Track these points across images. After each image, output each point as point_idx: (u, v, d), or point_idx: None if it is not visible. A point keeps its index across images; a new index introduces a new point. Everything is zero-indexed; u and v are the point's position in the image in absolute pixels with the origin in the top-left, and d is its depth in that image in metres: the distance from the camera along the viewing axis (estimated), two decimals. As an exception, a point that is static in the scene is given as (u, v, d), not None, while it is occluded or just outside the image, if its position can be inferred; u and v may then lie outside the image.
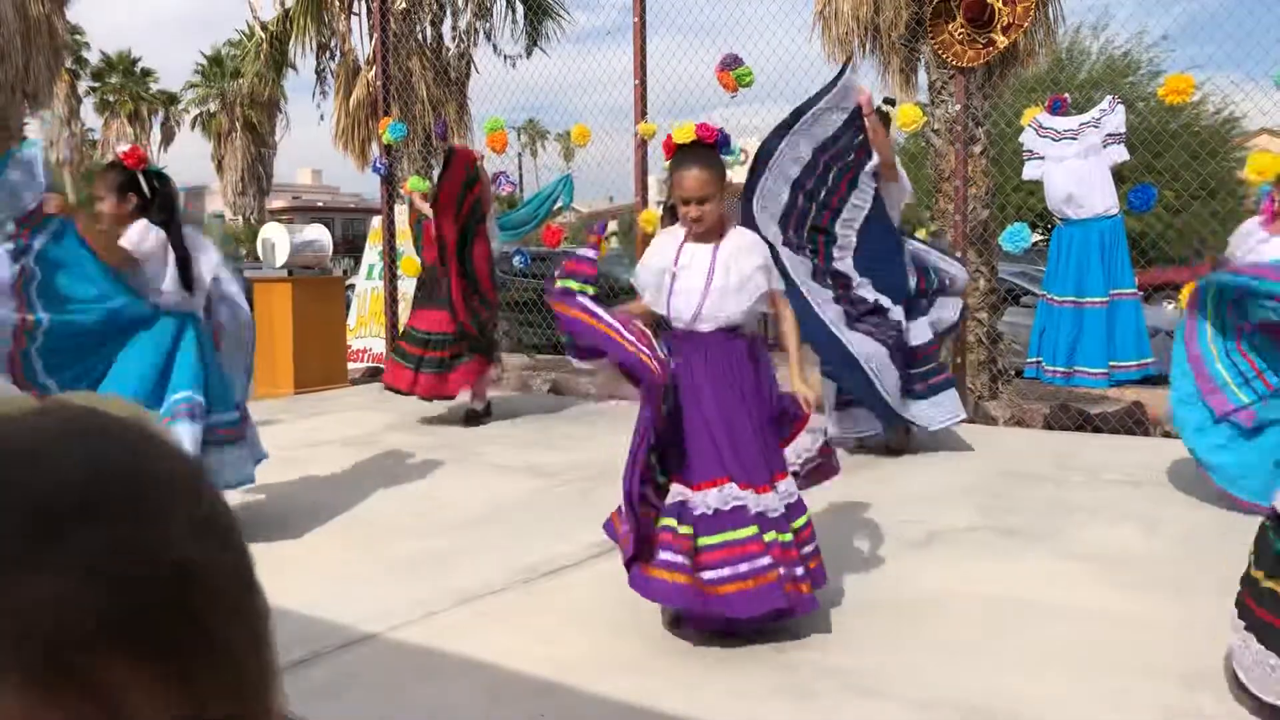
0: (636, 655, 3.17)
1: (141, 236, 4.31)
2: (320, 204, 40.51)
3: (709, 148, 3.35)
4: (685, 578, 3.12)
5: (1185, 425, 4.68)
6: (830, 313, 5.49)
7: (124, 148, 4.40)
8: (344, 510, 4.90)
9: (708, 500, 3.18)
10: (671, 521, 3.19)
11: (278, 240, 8.98)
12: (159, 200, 4.42)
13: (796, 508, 3.27)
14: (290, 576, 3.98)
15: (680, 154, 3.36)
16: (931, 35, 6.93)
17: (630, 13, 7.94)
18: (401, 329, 6.99)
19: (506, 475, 5.66)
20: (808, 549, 3.25)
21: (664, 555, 3.16)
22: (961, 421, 6.01)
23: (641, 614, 3.41)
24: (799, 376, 3.35)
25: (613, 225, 39.18)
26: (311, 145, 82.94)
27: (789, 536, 3.19)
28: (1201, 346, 4.61)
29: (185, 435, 4.18)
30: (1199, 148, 9.69)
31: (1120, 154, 6.34)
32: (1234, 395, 4.46)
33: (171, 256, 4.36)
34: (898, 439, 5.94)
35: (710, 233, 3.35)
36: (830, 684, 2.92)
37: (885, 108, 6.05)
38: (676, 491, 3.25)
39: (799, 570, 3.17)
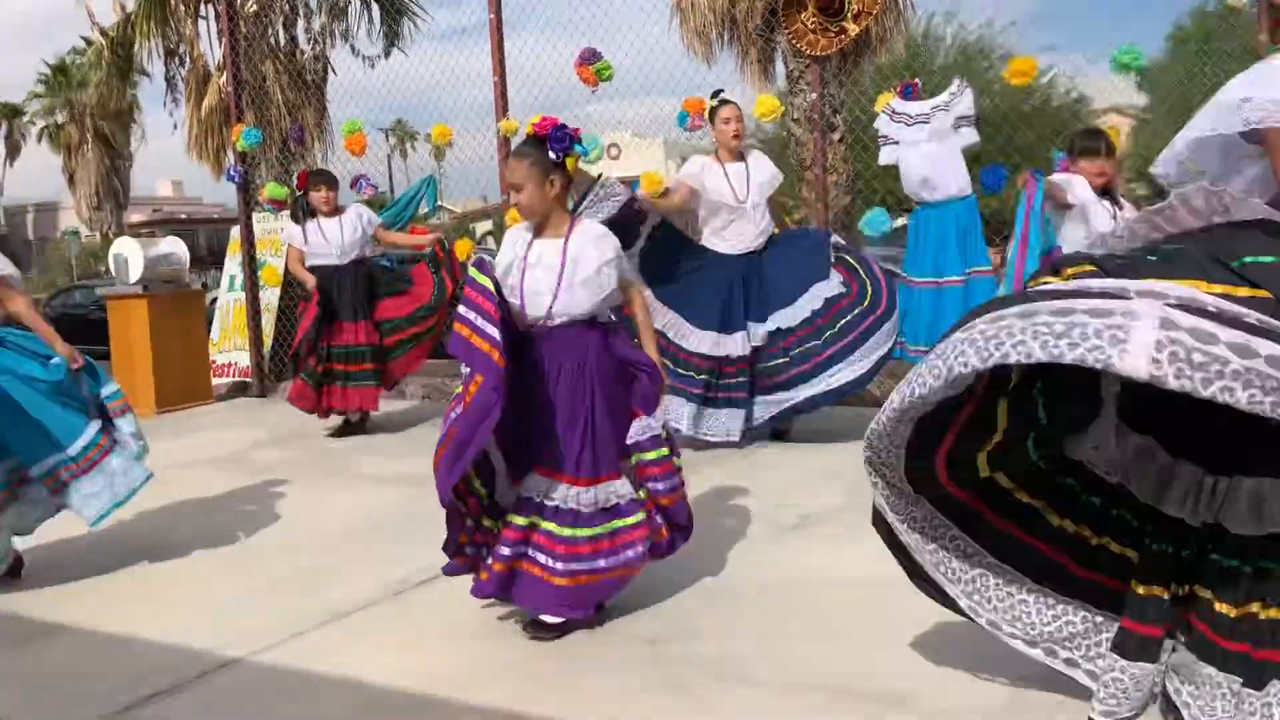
0: (509, 662, 3.14)
1: None
2: (183, 215, 39.12)
3: (538, 141, 3.35)
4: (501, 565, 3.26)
5: None
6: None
7: None
8: (212, 534, 4.73)
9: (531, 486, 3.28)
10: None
11: (130, 255, 8.63)
12: None
13: (611, 513, 3.29)
14: (153, 605, 3.84)
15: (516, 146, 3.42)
16: (785, 25, 7.03)
17: (485, 9, 7.84)
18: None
19: (379, 486, 5.55)
20: (600, 561, 3.26)
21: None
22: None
23: (512, 620, 3.39)
24: (653, 350, 3.47)
25: (486, 225, 38.89)
26: (171, 156, 79.97)
27: (573, 534, 3.24)
28: None
29: None
30: (1052, 127, 10.07)
31: (971, 136, 6.52)
32: None
33: None
34: (782, 423, 5.99)
35: (557, 227, 3.36)
36: (703, 674, 2.94)
37: (713, 102, 5.99)
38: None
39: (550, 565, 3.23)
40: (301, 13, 10.54)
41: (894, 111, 6.71)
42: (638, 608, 3.43)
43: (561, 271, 3.29)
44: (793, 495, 4.76)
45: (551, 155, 3.30)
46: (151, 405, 8.39)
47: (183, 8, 10.94)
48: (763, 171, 5.86)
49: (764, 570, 3.78)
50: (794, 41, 7.03)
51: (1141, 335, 1.82)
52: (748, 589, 3.60)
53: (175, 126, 11.68)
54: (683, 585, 3.63)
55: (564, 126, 3.34)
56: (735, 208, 5.77)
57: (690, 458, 5.58)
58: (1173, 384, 1.79)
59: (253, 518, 5.02)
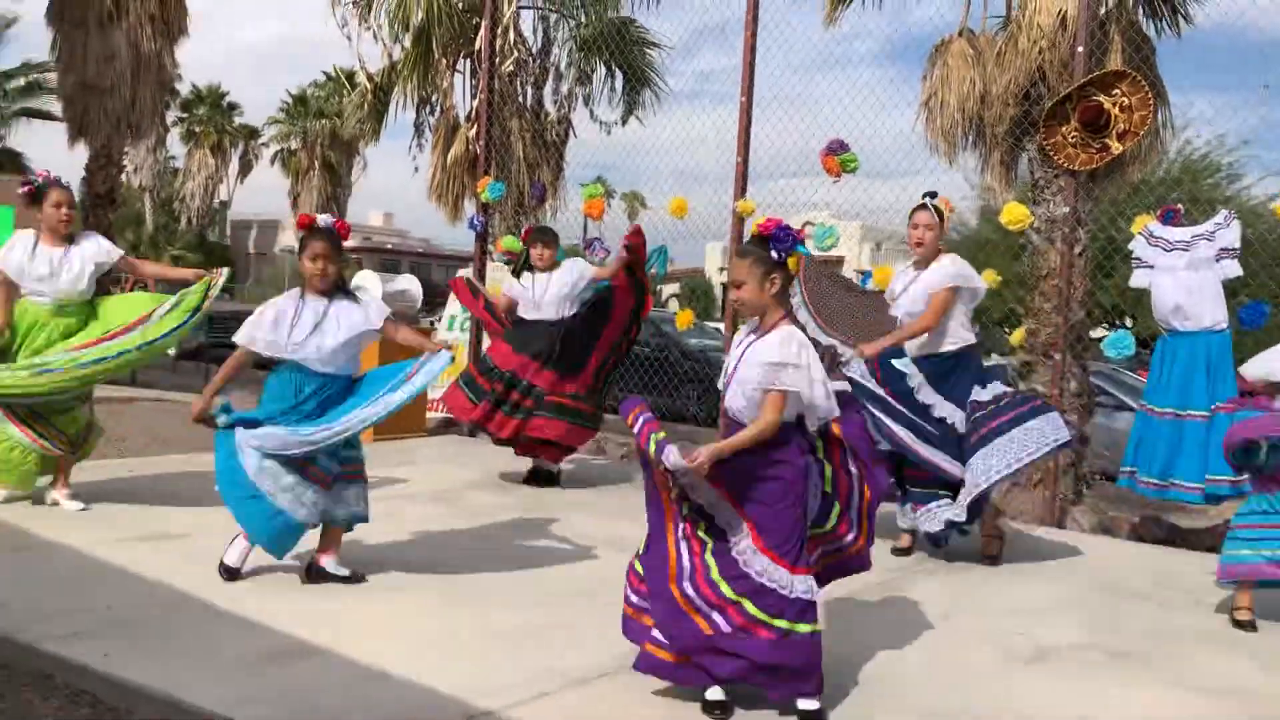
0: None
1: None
2: (389, 246, 41.12)
3: (762, 240, 3.44)
4: None
5: None
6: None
7: (328, 218, 4.79)
8: (441, 572, 4.89)
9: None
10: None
11: (370, 287, 9.12)
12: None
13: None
14: (395, 640, 3.97)
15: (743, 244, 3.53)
16: (1044, 136, 6.93)
17: (738, 92, 8.03)
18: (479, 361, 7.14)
19: (595, 547, 5.63)
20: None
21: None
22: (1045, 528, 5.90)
23: (754, 707, 3.37)
24: (718, 448, 3.34)
25: (674, 287, 39.38)
26: (385, 188, 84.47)
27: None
28: None
29: None
30: (1276, 256, 9.52)
31: (1233, 269, 6.25)
32: None
33: None
34: (993, 546, 5.80)
35: (762, 326, 3.48)
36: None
37: (929, 200, 5.86)
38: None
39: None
40: (551, 75, 11.06)
41: (1151, 235, 6.50)
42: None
43: (736, 368, 3.48)
44: (1023, 622, 4.60)
45: (774, 255, 3.38)
46: (369, 432, 8.76)
47: (444, 61, 11.61)
48: (922, 281, 5.72)
49: (1008, 703, 3.64)
50: (1052, 154, 6.92)
51: None
52: (994, 720, 3.49)
53: (416, 169, 12.35)
54: (926, 713, 3.54)
55: (788, 227, 3.43)
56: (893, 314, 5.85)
57: (910, 566, 5.52)
58: None
59: (477, 561, 5.17)
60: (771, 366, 3.34)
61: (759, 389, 3.36)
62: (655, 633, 3.43)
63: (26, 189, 5.65)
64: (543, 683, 3.56)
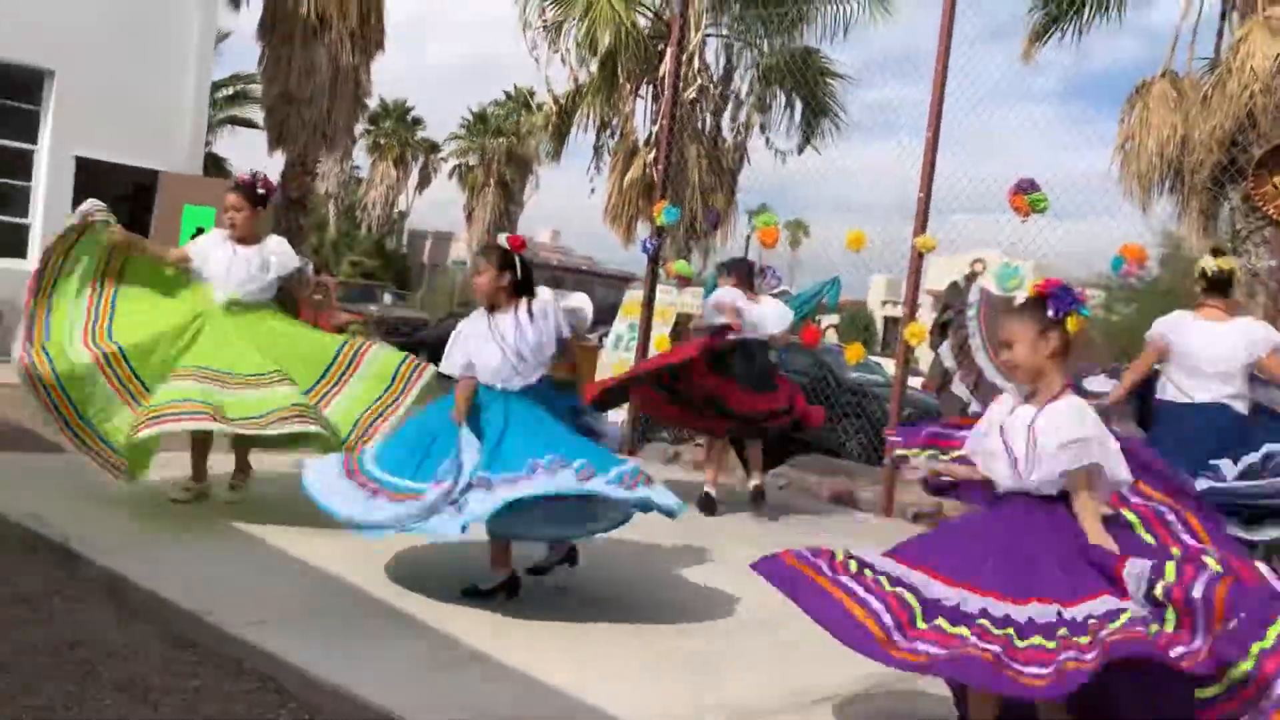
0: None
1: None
2: (554, 263, 41.96)
3: (1038, 300, 3.27)
4: None
5: None
6: None
7: (506, 235, 4.89)
8: (606, 592, 4.93)
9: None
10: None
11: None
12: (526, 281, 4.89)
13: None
14: (561, 655, 4.01)
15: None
16: (1253, 185, 6.60)
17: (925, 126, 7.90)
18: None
19: (758, 578, 5.57)
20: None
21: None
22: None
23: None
24: (1097, 534, 3.12)
25: (833, 318, 38.93)
26: (556, 207, 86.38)
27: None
28: None
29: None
30: None
31: None
32: None
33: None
34: None
35: (1041, 392, 3.27)
36: None
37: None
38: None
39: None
40: (731, 102, 11.15)
41: (1368, 293, 6.11)
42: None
43: (1032, 439, 3.20)
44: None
45: (1050, 314, 3.23)
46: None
47: (627, 86, 11.84)
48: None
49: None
50: (1261, 204, 6.59)
51: None
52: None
53: (593, 191, 12.59)
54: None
55: (1068, 287, 3.27)
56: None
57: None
58: None
59: (641, 583, 5.19)
60: (1081, 442, 3.14)
61: (1066, 469, 3.16)
62: None
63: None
64: (710, 714, 3.55)
